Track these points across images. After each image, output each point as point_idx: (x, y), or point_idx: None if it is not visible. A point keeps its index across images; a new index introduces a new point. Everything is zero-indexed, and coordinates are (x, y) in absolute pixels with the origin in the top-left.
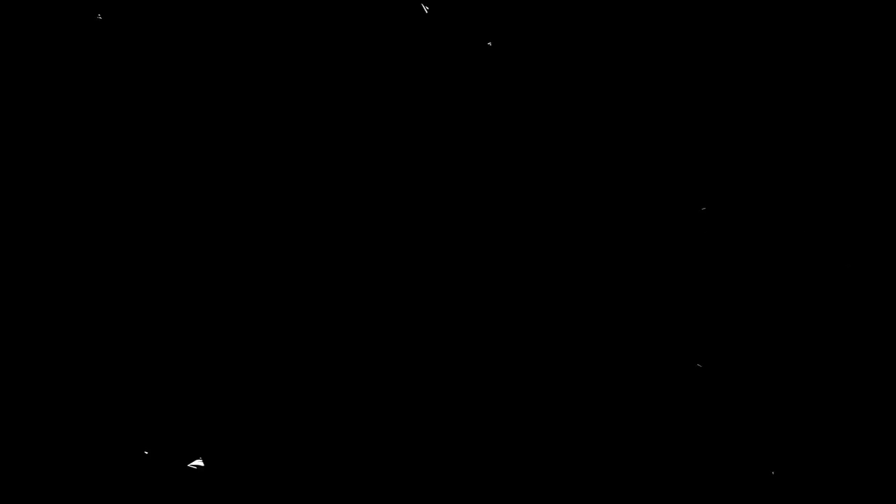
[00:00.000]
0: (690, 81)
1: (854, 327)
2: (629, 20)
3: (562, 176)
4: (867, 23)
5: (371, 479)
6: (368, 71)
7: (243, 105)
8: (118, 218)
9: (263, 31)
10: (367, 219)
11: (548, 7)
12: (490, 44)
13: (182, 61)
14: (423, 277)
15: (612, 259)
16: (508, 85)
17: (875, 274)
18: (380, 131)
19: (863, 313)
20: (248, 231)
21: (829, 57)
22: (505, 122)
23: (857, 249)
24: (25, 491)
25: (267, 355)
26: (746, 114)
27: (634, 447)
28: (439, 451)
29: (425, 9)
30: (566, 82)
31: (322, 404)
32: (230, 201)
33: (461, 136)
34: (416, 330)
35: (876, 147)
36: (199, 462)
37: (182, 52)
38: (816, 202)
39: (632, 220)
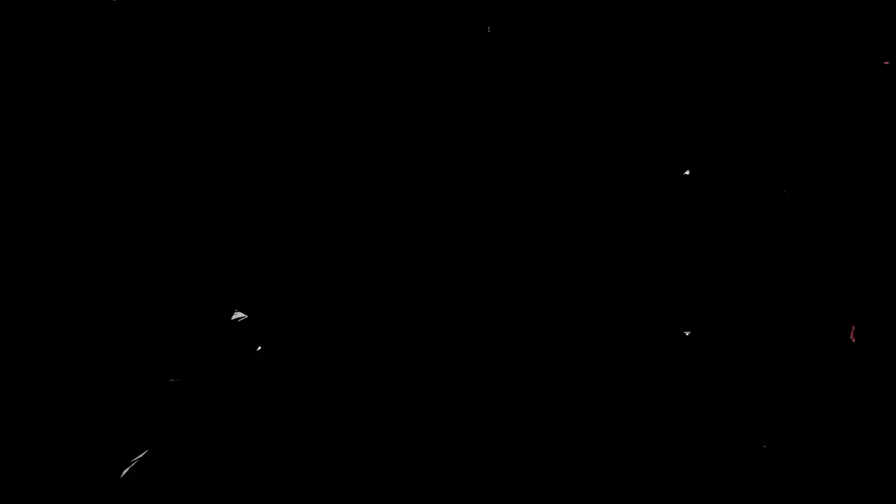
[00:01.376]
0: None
1: (843, 296)
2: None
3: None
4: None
5: (370, 478)
6: (366, 62)
7: (243, 103)
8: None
9: (261, 26)
10: (367, 217)
11: None
12: (489, 29)
13: (185, 59)
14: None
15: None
16: (507, 70)
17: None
18: (377, 124)
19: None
20: (249, 230)
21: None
22: (501, 106)
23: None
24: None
25: (267, 354)
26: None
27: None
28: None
29: None
30: (562, 63)
31: (322, 402)
32: (231, 200)
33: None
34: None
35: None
36: (240, 314)
37: (185, 49)
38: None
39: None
